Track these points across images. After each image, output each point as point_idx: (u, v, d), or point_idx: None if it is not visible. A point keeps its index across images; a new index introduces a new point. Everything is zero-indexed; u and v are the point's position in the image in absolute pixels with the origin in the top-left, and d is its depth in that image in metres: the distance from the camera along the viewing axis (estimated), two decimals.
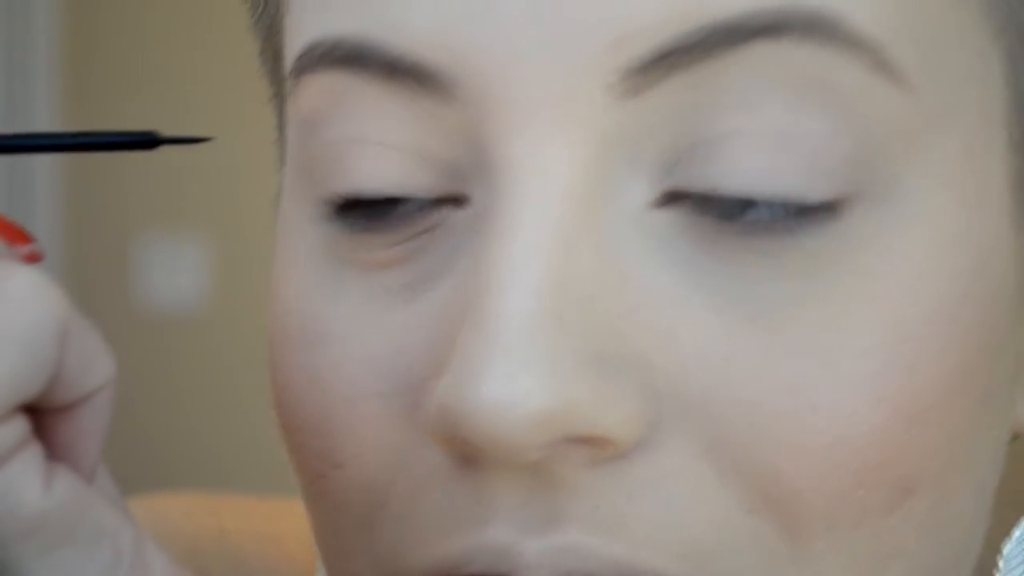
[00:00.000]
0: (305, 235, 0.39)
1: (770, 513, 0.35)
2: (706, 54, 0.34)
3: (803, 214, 0.35)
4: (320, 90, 0.37)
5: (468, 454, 0.35)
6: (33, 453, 0.33)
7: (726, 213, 0.35)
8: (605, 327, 0.35)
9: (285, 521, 0.53)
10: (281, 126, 0.42)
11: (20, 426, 0.33)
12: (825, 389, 0.35)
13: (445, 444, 0.35)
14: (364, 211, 0.37)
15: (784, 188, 0.35)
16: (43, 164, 2.46)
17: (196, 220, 2.41)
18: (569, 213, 0.35)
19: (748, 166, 0.35)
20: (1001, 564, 0.42)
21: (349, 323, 0.37)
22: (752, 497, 0.35)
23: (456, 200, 0.36)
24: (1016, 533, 0.42)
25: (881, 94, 0.35)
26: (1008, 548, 0.42)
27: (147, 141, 0.38)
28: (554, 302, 0.34)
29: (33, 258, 0.36)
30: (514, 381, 0.33)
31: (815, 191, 0.35)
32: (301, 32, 0.37)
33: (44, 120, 2.46)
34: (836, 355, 0.35)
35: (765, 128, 0.35)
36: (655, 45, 0.34)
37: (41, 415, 0.34)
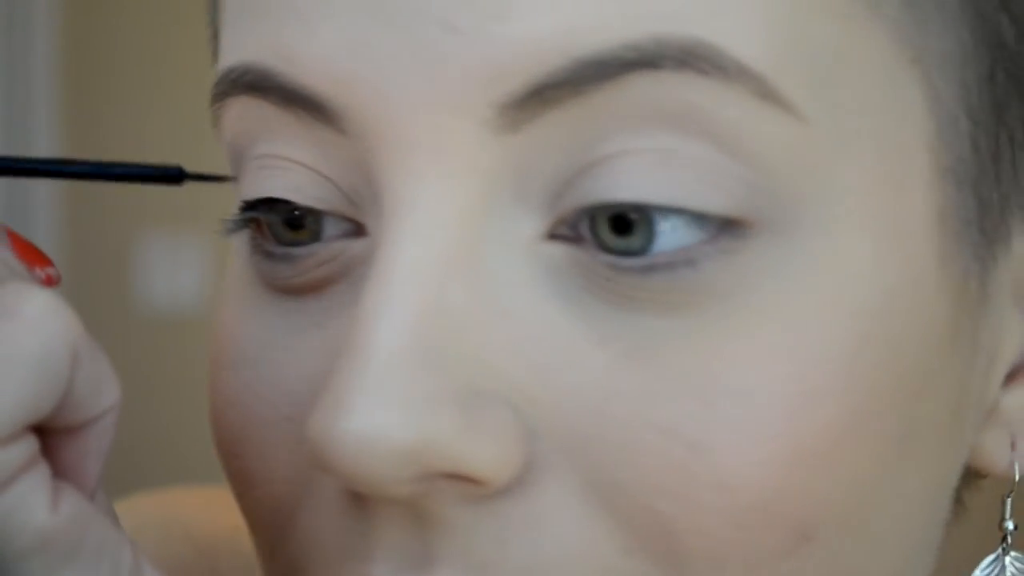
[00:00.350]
0: (240, 256, 0.40)
1: (651, 555, 0.35)
2: (578, 89, 0.34)
3: (706, 240, 0.34)
4: (236, 114, 0.38)
5: (351, 487, 0.35)
6: (42, 472, 0.34)
7: (627, 251, 0.34)
8: (479, 362, 0.34)
9: None
10: None
11: (30, 445, 0.33)
12: (704, 429, 0.34)
13: (326, 476, 0.35)
14: (275, 236, 0.38)
15: (678, 197, 0.34)
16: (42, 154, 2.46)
17: (196, 220, 2.41)
18: (445, 247, 0.35)
19: (636, 176, 0.34)
20: None
21: (265, 347, 0.38)
22: (631, 539, 0.35)
23: (359, 231, 0.37)
24: (982, 564, 0.41)
25: (771, 123, 0.34)
26: None
27: (173, 175, 0.38)
28: (422, 337, 0.34)
29: (50, 281, 0.37)
30: (371, 416, 0.33)
31: (712, 204, 0.34)
32: (222, 58, 0.38)
33: (44, 120, 2.46)
34: (715, 395, 0.34)
35: (651, 149, 0.34)
36: (527, 81, 0.34)
37: (47, 435, 0.35)
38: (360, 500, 0.36)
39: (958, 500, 0.43)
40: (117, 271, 2.45)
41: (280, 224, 0.38)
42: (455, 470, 0.34)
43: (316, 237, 0.38)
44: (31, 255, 0.36)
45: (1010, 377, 0.41)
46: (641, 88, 0.34)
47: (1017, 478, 0.40)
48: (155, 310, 2.43)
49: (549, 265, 0.35)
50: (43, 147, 2.45)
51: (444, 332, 0.34)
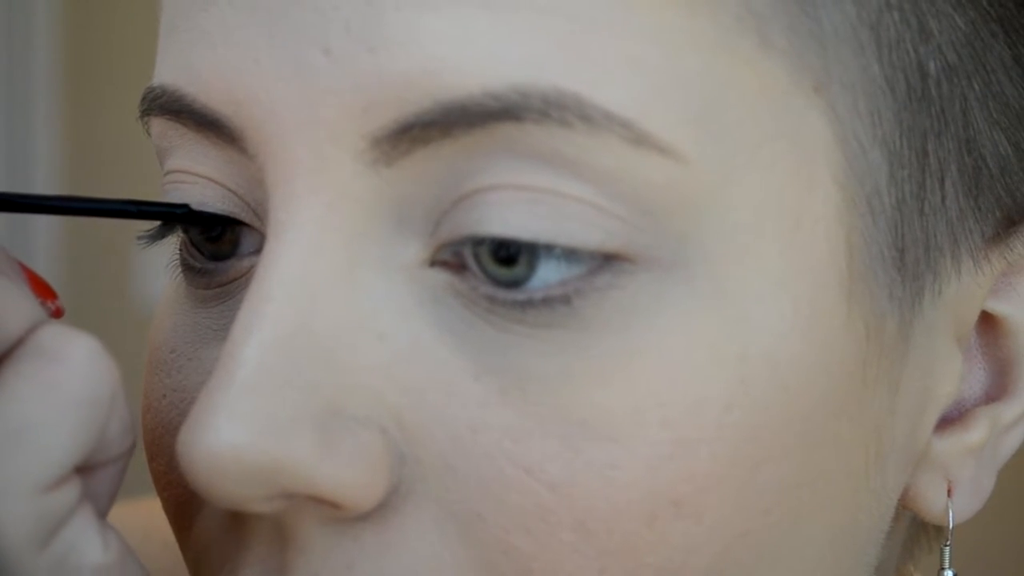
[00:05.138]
0: (171, 268, 0.41)
1: None
2: (445, 131, 0.34)
3: (584, 276, 0.34)
4: (158, 131, 0.39)
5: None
6: (90, 511, 0.35)
7: (509, 281, 0.34)
8: (349, 383, 0.34)
9: None
10: None
11: (78, 485, 0.34)
12: (567, 470, 0.34)
13: None
14: (197, 248, 0.39)
15: (553, 233, 0.34)
16: (43, 164, 2.46)
17: None
18: (319, 268, 0.35)
19: (512, 211, 0.34)
20: None
21: (175, 355, 0.39)
22: (484, 573, 0.34)
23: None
24: None
25: (645, 165, 0.34)
26: None
27: (182, 214, 0.39)
28: (286, 356, 0.34)
29: (59, 313, 0.38)
30: (222, 434, 0.33)
31: (590, 240, 0.34)
32: (151, 78, 0.39)
33: (44, 119, 2.46)
34: (581, 438, 0.34)
35: (524, 186, 0.34)
36: (395, 118, 0.34)
37: None
38: (236, 513, 0.36)
39: (936, 528, 0.42)
40: (117, 271, 2.45)
41: (202, 239, 0.39)
42: (311, 492, 0.34)
43: (234, 250, 0.38)
44: (41, 289, 0.37)
45: (947, 421, 0.39)
46: (508, 134, 0.33)
47: (951, 526, 0.39)
48: (154, 310, 2.43)
49: (430, 292, 0.35)
50: (43, 149, 2.45)
51: (311, 353, 0.34)
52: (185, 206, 0.39)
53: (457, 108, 0.33)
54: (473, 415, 0.34)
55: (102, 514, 0.36)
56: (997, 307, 0.39)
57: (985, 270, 0.38)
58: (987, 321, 0.40)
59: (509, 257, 0.34)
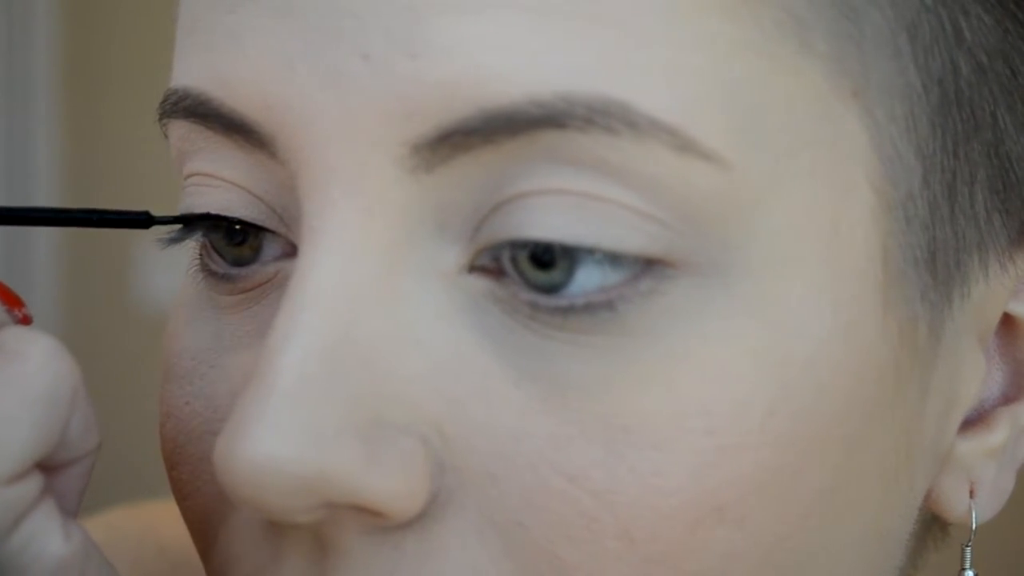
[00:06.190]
0: (189, 272, 0.41)
1: None
2: (488, 139, 0.33)
3: (625, 281, 0.34)
4: (179, 135, 0.38)
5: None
6: (51, 505, 0.35)
7: (548, 286, 0.34)
8: (389, 393, 0.34)
9: None
10: None
11: (39, 480, 0.34)
12: (611, 478, 0.33)
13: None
14: (219, 253, 0.39)
15: (596, 237, 0.33)
16: (43, 164, 2.46)
17: None
18: (359, 277, 0.34)
19: (554, 215, 0.34)
20: None
21: (201, 363, 0.39)
22: None
23: (295, 251, 0.37)
24: None
25: (690, 172, 0.33)
26: None
27: (142, 220, 0.39)
28: (328, 365, 0.34)
29: (26, 321, 0.38)
30: (267, 446, 0.33)
31: (631, 245, 0.33)
32: (172, 78, 0.39)
33: (44, 119, 2.46)
34: (625, 445, 0.33)
35: (568, 190, 0.34)
36: (437, 125, 0.33)
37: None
38: (272, 522, 0.36)
39: (941, 528, 0.42)
40: (117, 271, 2.45)
41: (223, 242, 0.38)
42: (355, 502, 0.34)
43: (257, 255, 0.38)
44: (8, 297, 0.38)
45: (969, 423, 0.40)
46: (551, 142, 0.33)
47: (974, 526, 0.39)
48: (154, 310, 2.43)
49: (470, 298, 0.35)
50: (43, 149, 2.45)
51: (352, 362, 0.34)
52: (145, 213, 0.39)
53: (501, 116, 0.33)
54: (515, 423, 0.34)
55: (69, 512, 0.36)
56: (1017, 309, 0.40)
57: (1010, 271, 0.39)
58: (1005, 323, 0.40)
59: (548, 261, 0.34)
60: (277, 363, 0.34)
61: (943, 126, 0.36)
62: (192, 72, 0.37)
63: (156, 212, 0.40)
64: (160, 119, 0.39)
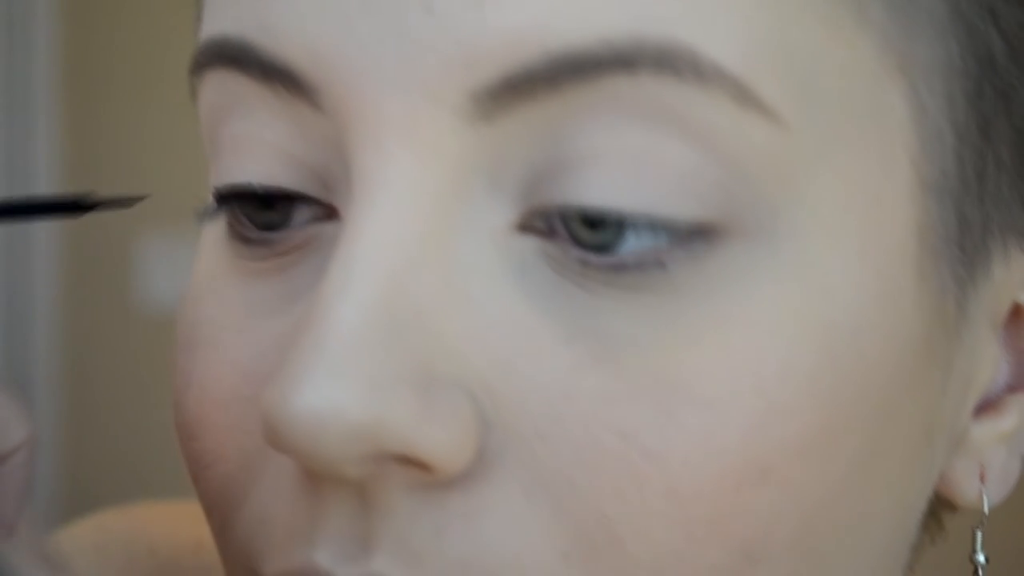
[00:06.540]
0: (206, 240, 0.40)
1: (590, 562, 0.34)
2: (552, 84, 0.33)
3: (676, 242, 0.34)
4: (214, 87, 0.38)
5: (303, 465, 0.35)
6: None
7: (598, 245, 0.34)
8: (440, 347, 0.34)
9: None
10: None
11: None
12: (661, 437, 0.33)
13: (278, 452, 0.35)
14: (248, 218, 0.38)
15: (650, 204, 0.34)
16: (43, 164, 2.46)
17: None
18: (414, 230, 0.34)
19: (609, 181, 0.34)
20: None
21: (225, 329, 0.38)
22: (573, 542, 0.34)
23: (331, 214, 0.37)
24: None
25: (749, 126, 0.34)
26: None
27: (76, 206, 0.39)
28: (384, 316, 0.33)
29: None
30: (325, 392, 0.33)
31: (684, 211, 0.34)
32: (202, 32, 0.38)
33: (44, 119, 2.46)
34: (676, 403, 0.34)
35: (626, 149, 0.34)
36: (501, 71, 0.33)
37: None
38: (310, 482, 0.35)
39: (937, 524, 0.42)
40: (117, 271, 2.45)
41: (253, 207, 0.38)
42: (407, 453, 0.33)
43: (287, 219, 0.37)
44: None
45: (982, 407, 0.40)
46: (617, 87, 0.33)
47: (987, 510, 0.40)
48: (155, 310, 2.43)
49: (519, 257, 0.35)
50: (43, 149, 2.45)
51: (406, 313, 0.34)
52: (74, 199, 0.38)
53: (569, 58, 0.33)
54: (564, 381, 0.34)
55: (12, 514, 0.35)
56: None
57: None
58: (1013, 313, 0.41)
59: (599, 222, 0.34)
60: (334, 312, 0.33)
61: (977, 106, 0.37)
62: (231, 19, 0.37)
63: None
64: (192, 73, 0.38)
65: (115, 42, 2.44)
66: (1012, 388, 0.41)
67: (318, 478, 0.35)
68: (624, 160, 0.34)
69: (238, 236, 0.38)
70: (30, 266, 2.45)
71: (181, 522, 0.53)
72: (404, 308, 0.34)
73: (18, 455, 0.35)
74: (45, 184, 2.47)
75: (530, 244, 0.35)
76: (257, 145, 0.37)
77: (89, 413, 2.40)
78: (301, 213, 0.37)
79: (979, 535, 0.41)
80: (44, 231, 2.43)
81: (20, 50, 2.44)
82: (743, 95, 0.34)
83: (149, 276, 2.45)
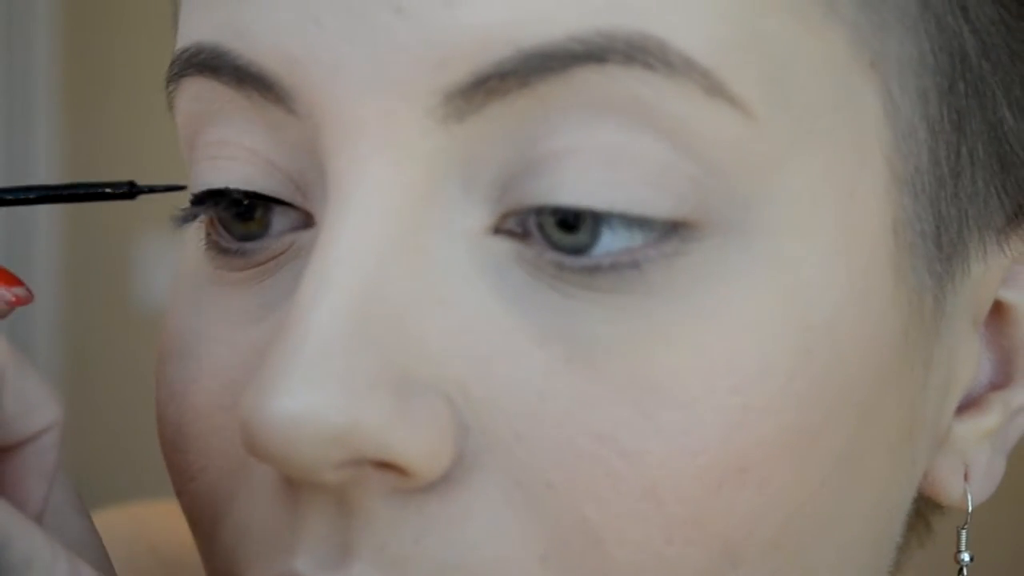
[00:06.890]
0: (189, 249, 0.40)
1: (570, 565, 0.34)
2: (524, 81, 0.33)
3: (651, 241, 0.34)
4: (190, 96, 0.38)
5: (281, 472, 0.35)
6: None
7: (573, 248, 0.34)
8: (416, 350, 0.34)
9: None
10: None
11: None
12: (639, 438, 0.33)
13: (257, 459, 0.34)
14: (226, 229, 0.38)
15: (625, 201, 0.34)
16: (43, 162, 2.46)
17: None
18: (387, 232, 0.34)
19: (583, 179, 0.34)
20: None
21: (205, 340, 0.38)
22: (551, 545, 0.34)
23: (308, 222, 0.37)
24: None
25: (720, 119, 0.34)
26: None
27: (125, 192, 0.39)
28: (358, 321, 0.33)
29: (19, 302, 0.37)
30: (300, 397, 0.33)
31: (659, 208, 0.34)
32: (177, 41, 0.38)
33: (44, 119, 2.46)
34: (652, 403, 0.33)
35: (599, 146, 0.34)
36: (472, 70, 0.34)
37: None
38: (290, 490, 0.35)
39: (925, 525, 0.42)
40: (117, 271, 2.45)
41: (230, 218, 0.38)
42: (384, 457, 0.33)
43: (266, 230, 0.37)
44: (3, 276, 0.36)
45: (965, 405, 0.40)
46: (588, 81, 0.33)
47: (971, 509, 0.40)
48: (155, 310, 2.43)
49: (494, 259, 0.35)
50: (43, 149, 2.45)
51: (382, 317, 0.34)
52: (128, 183, 0.38)
53: (539, 55, 0.33)
54: (540, 383, 0.34)
55: (35, 497, 0.35)
56: (1006, 295, 0.40)
57: (1007, 252, 0.39)
58: (994, 310, 0.41)
59: (573, 224, 0.34)
60: (309, 318, 0.33)
61: (950, 102, 0.37)
62: (205, 26, 0.37)
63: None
64: (169, 83, 0.38)
65: (115, 42, 2.44)
66: (995, 386, 0.41)
67: (297, 485, 0.35)
68: (598, 157, 0.34)
69: (216, 247, 0.39)
70: (30, 266, 2.45)
71: (182, 521, 0.53)
72: (379, 312, 0.34)
73: (46, 437, 0.35)
74: (45, 176, 2.47)
75: (505, 246, 0.35)
76: (234, 151, 0.37)
77: (89, 413, 2.40)
78: (279, 222, 0.37)
79: (963, 534, 0.41)
80: (44, 231, 2.43)
81: (20, 50, 2.44)
82: (713, 86, 0.34)
83: (149, 276, 2.45)
